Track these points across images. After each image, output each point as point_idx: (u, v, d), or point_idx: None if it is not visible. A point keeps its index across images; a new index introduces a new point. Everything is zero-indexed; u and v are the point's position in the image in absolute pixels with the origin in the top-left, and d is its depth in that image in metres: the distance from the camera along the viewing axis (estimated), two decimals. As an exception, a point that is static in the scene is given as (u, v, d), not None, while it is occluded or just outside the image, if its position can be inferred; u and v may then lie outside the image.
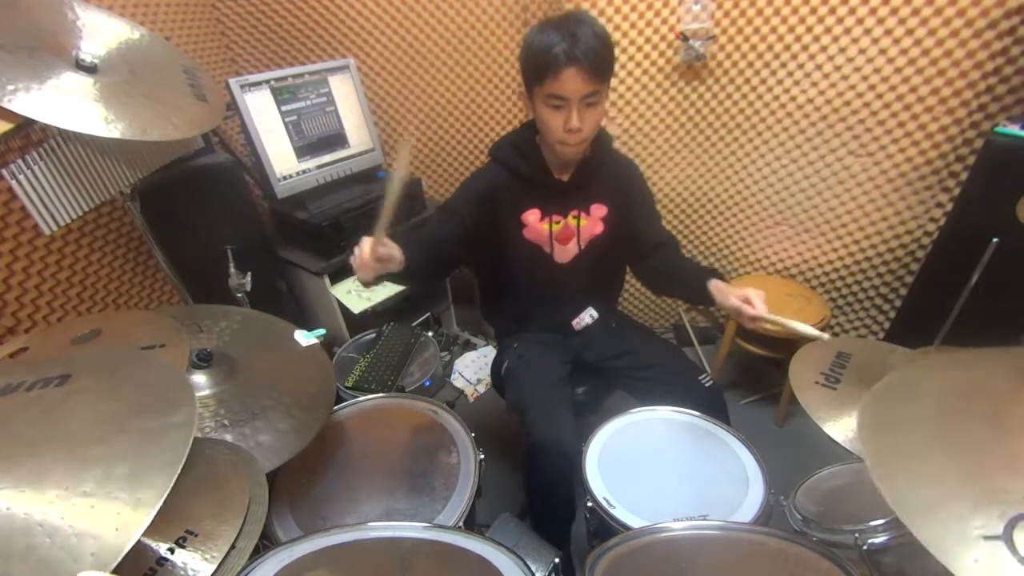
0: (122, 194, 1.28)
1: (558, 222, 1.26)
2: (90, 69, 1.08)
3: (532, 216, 1.25)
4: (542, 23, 1.06)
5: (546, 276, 1.31)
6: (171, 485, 0.55)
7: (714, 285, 1.14)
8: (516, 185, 1.24)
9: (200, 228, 1.60)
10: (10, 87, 0.93)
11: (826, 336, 0.99)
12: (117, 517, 0.52)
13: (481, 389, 2.15)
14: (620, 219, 1.30)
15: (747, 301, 1.03)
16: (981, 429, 0.57)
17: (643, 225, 1.34)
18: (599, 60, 1.02)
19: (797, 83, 1.67)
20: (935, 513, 0.50)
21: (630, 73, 1.80)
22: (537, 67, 1.04)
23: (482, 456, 1.06)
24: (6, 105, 0.91)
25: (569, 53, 1.00)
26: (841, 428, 0.99)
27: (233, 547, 0.68)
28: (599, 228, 1.30)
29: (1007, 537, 0.46)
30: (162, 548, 0.66)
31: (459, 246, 1.25)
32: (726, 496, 0.97)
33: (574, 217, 1.27)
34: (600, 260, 1.33)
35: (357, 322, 1.94)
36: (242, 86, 1.67)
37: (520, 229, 1.26)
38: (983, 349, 0.71)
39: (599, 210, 1.28)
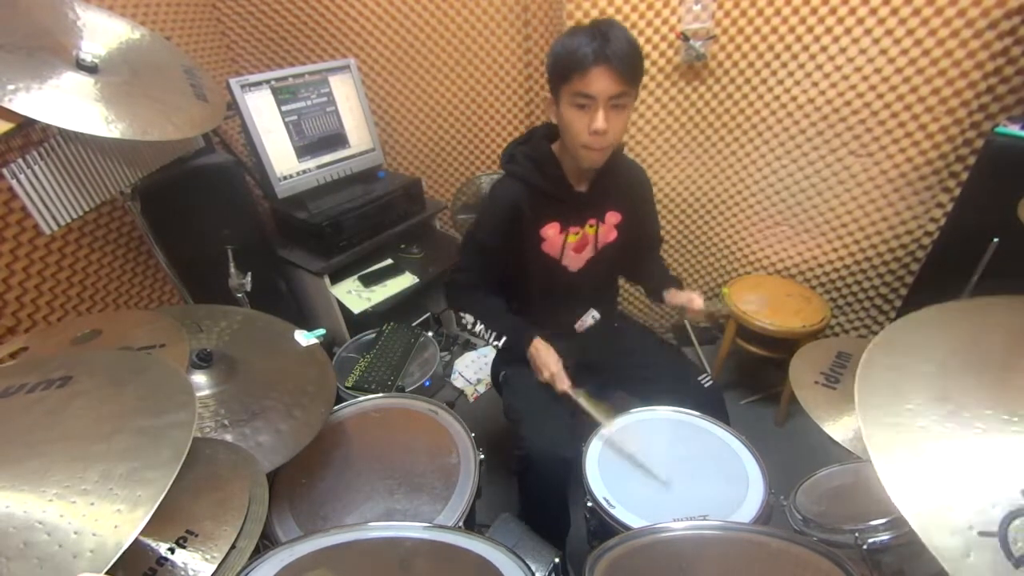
0: (122, 194, 1.28)
1: (576, 233, 1.25)
2: (90, 69, 1.08)
3: (551, 230, 1.24)
4: (573, 27, 1.06)
5: (557, 284, 1.31)
6: (170, 483, 0.55)
7: (669, 293, 1.32)
8: (535, 199, 1.21)
9: (200, 228, 1.60)
10: (10, 87, 0.93)
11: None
12: (116, 515, 0.52)
13: (481, 389, 2.15)
14: (632, 225, 1.31)
15: (690, 300, 1.25)
16: (983, 397, 0.57)
17: (647, 228, 1.36)
18: (629, 61, 1.01)
19: (797, 83, 1.67)
20: (932, 502, 0.50)
21: (630, 73, 1.80)
22: (565, 65, 1.03)
23: (482, 456, 1.06)
24: (6, 105, 0.91)
25: (599, 51, 0.99)
26: (841, 428, 0.99)
27: (233, 547, 0.68)
28: (612, 235, 1.30)
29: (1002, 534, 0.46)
30: (162, 548, 0.66)
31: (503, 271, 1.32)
32: (726, 496, 0.97)
33: (591, 226, 1.26)
34: (609, 265, 1.34)
35: (357, 322, 1.94)
36: (242, 86, 1.67)
37: (539, 243, 1.25)
38: (981, 299, 0.71)
39: (613, 217, 1.28)
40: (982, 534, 0.46)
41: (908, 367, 0.62)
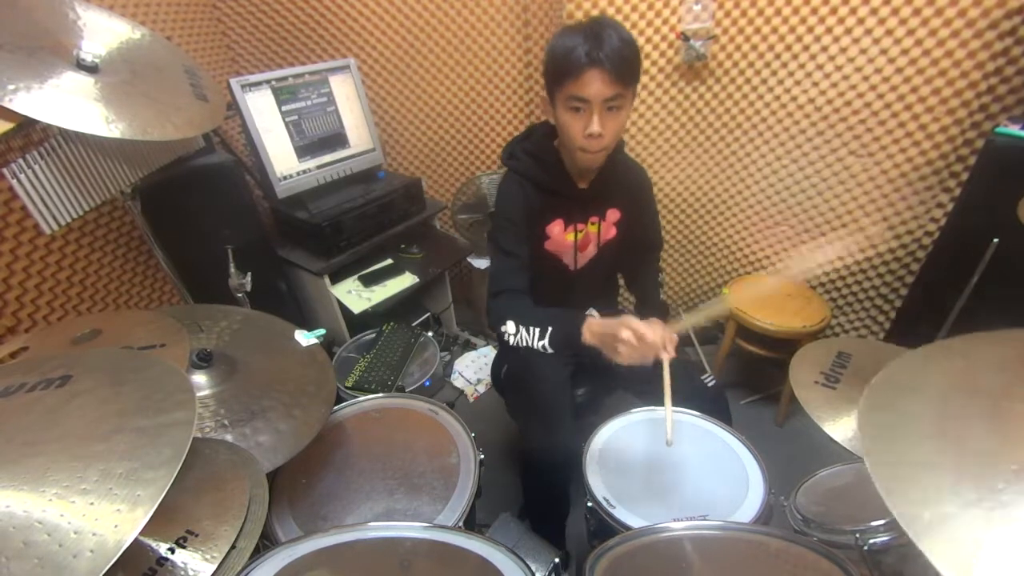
0: (122, 194, 1.28)
1: (581, 231, 1.25)
2: (91, 69, 1.08)
3: (556, 228, 1.23)
4: (566, 27, 1.04)
5: (559, 282, 1.30)
6: (170, 483, 0.55)
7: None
8: (539, 196, 1.20)
9: (200, 228, 1.60)
10: (11, 87, 0.93)
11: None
12: (116, 514, 0.52)
13: (481, 389, 2.15)
14: (631, 223, 1.31)
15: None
16: (982, 431, 0.56)
17: (647, 229, 1.37)
18: (623, 62, 0.99)
19: (798, 83, 1.67)
20: (940, 527, 0.49)
21: (630, 73, 1.80)
22: (558, 68, 1.02)
23: (482, 456, 1.06)
24: (7, 105, 0.91)
25: (592, 54, 0.97)
26: (841, 428, 0.99)
27: (233, 547, 0.68)
28: (612, 233, 1.30)
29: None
30: (162, 548, 0.66)
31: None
32: (726, 496, 0.97)
33: (593, 224, 1.26)
34: (609, 263, 1.34)
35: (357, 322, 1.94)
36: (243, 86, 1.67)
37: (542, 241, 1.24)
38: (978, 335, 0.71)
39: (613, 215, 1.28)
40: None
41: (906, 414, 0.61)
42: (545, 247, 1.25)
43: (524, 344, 1.11)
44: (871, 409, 0.63)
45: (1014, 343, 0.67)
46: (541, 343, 1.09)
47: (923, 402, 0.62)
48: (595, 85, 0.99)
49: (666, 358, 1.06)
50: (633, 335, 0.93)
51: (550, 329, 1.08)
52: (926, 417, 0.59)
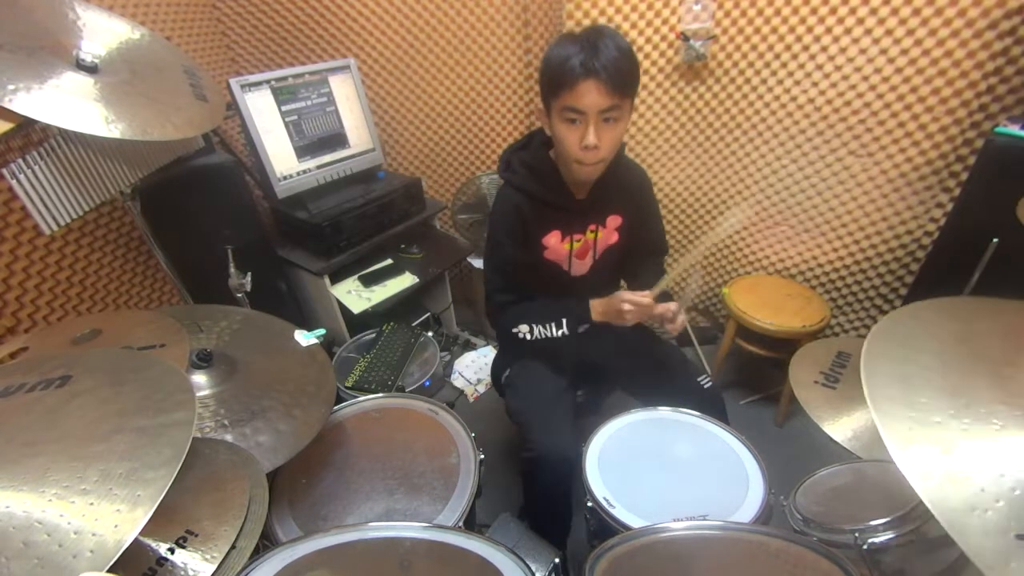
0: (122, 194, 1.28)
1: (578, 240, 1.25)
2: (90, 69, 1.08)
3: (553, 238, 1.23)
4: (563, 35, 1.03)
5: (559, 288, 1.30)
6: (170, 483, 0.55)
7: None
8: (535, 207, 1.19)
9: (200, 228, 1.60)
10: (10, 87, 0.93)
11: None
12: (116, 514, 0.52)
13: (481, 389, 2.15)
14: (633, 227, 1.30)
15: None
16: (986, 390, 0.56)
17: (650, 231, 1.36)
18: (619, 73, 0.97)
19: (797, 83, 1.67)
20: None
21: (630, 73, 1.80)
22: (553, 78, 1.01)
23: (482, 456, 1.06)
24: (6, 105, 0.91)
25: (587, 64, 0.96)
26: (841, 428, 0.99)
27: (233, 547, 0.68)
28: (614, 238, 1.29)
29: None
30: (162, 548, 0.66)
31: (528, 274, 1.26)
32: (726, 496, 0.97)
33: (592, 232, 1.25)
34: (611, 267, 1.34)
35: (357, 322, 1.94)
36: (243, 86, 1.67)
37: (541, 251, 1.24)
38: (973, 298, 0.72)
39: (614, 221, 1.27)
40: (1020, 537, 0.43)
41: (911, 360, 0.61)
42: (544, 256, 1.25)
43: (542, 337, 1.23)
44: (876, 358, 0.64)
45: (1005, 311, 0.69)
46: (560, 331, 1.21)
47: (926, 356, 0.63)
48: (590, 96, 0.98)
49: (675, 331, 1.13)
50: (631, 304, 1.11)
51: (565, 320, 1.21)
52: (932, 371, 0.61)
